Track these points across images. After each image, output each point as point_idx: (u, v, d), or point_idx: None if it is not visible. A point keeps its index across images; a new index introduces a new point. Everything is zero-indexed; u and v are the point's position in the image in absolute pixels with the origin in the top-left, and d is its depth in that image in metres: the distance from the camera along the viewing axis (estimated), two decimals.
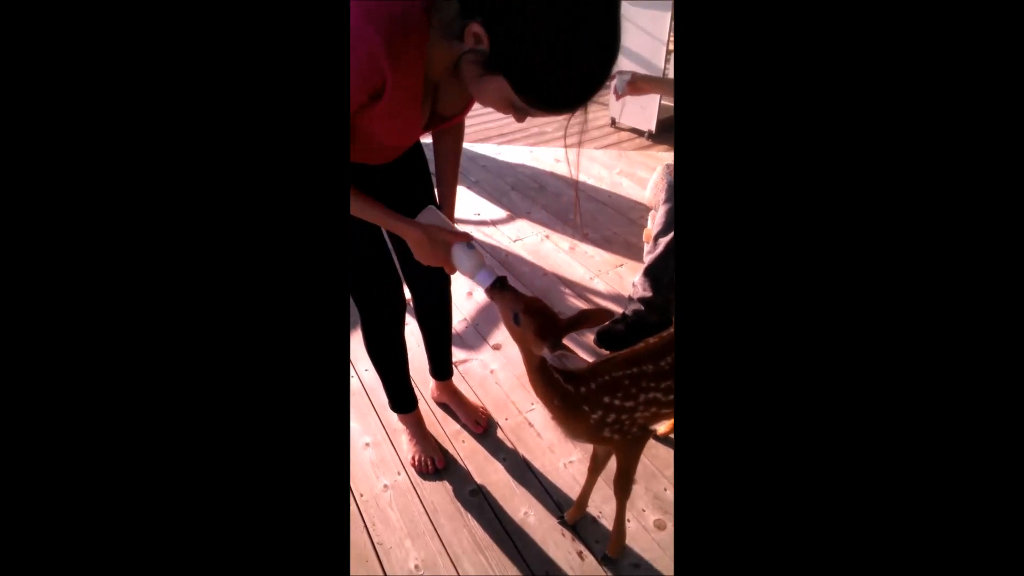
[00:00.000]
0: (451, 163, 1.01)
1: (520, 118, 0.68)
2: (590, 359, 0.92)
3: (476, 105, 0.82)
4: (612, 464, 1.10)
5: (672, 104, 2.93)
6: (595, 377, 0.88)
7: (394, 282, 1.09)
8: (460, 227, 0.92)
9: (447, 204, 1.04)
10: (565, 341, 0.82)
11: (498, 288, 0.84)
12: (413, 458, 1.29)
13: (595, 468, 1.09)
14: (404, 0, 0.64)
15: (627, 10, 2.77)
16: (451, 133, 0.99)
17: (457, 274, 0.90)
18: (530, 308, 0.81)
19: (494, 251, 2.08)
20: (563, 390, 0.86)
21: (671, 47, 2.72)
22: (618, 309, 1.75)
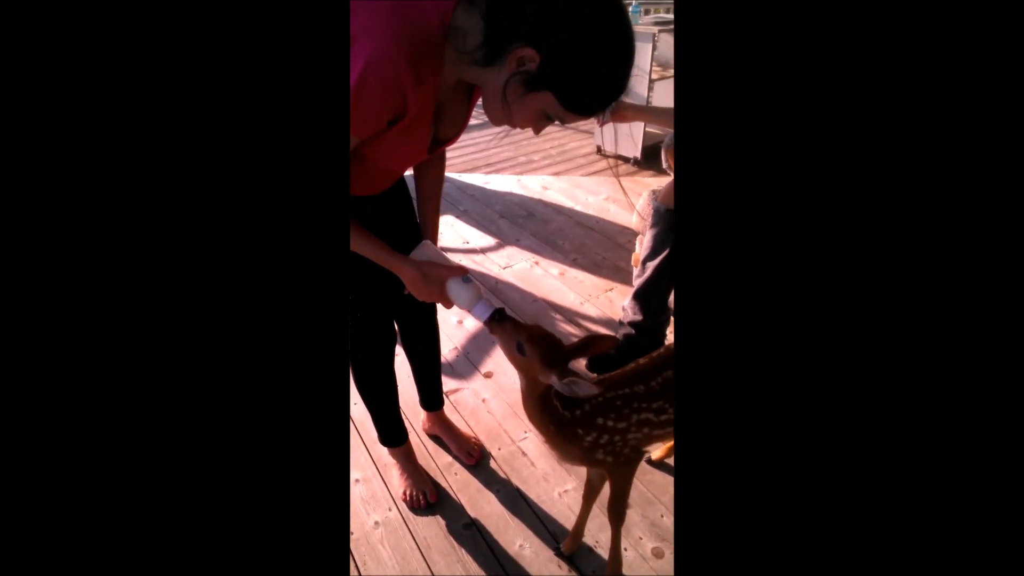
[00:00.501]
0: (435, 192, 1.02)
1: (541, 129, 0.74)
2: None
3: (462, 136, 0.84)
4: (606, 491, 1.08)
5: (655, 131, 3.00)
6: (588, 399, 0.88)
7: (383, 313, 1.09)
8: (449, 256, 0.92)
9: (431, 228, 1.03)
10: None
11: (497, 320, 0.83)
12: (404, 493, 1.26)
13: (590, 495, 1.07)
14: (425, 26, 0.66)
15: None
16: (434, 163, 1.00)
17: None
18: (533, 336, 0.80)
19: (484, 279, 2.08)
20: (559, 416, 0.86)
21: (653, 77, 2.80)
22: (609, 333, 1.75)
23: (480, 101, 0.78)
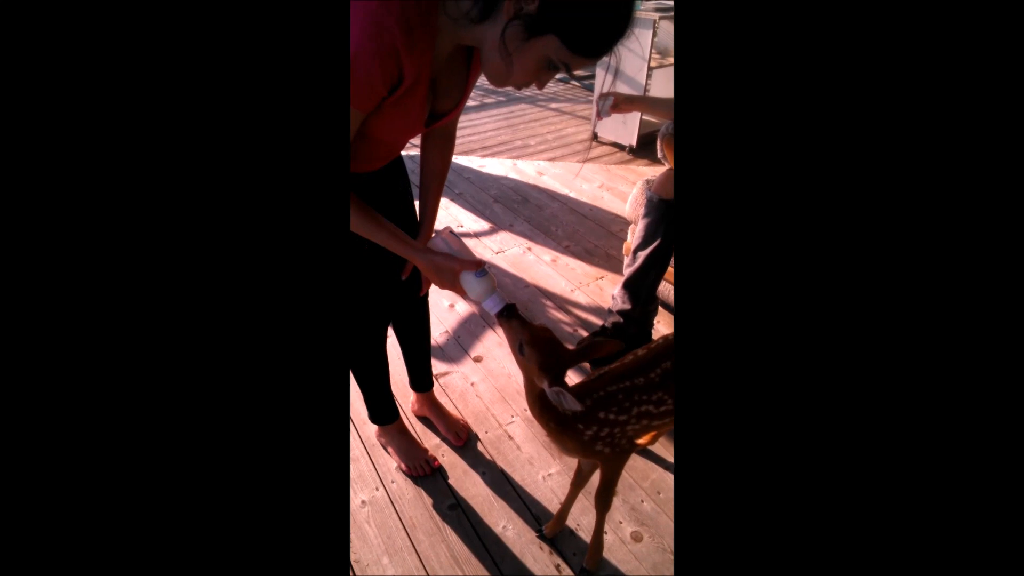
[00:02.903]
0: (439, 171, 1.01)
1: (545, 82, 0.72)
2: (577, 377, 0.93)
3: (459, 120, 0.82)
4: (593, 477, 1.10)
5: (652, 120, 2.99)
6: (590, 393, 0.89)
7: (375, 290, 1.09)
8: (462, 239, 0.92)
9: (429, 214, 1.03)
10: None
11: (505, 316, 0.84)
12: (405, 465, 1.28)
13: (578, 483, 1.10)
14: None
15: None
16: (440, 141, 0.98)
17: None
18: (535, 339, 0.81)
19: None
20: (560, 414, 0.87)
21: (652, 64, 2.78)
22: (598, 321, 1.77)
23: (481, 74, 0.77)
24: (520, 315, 0.85)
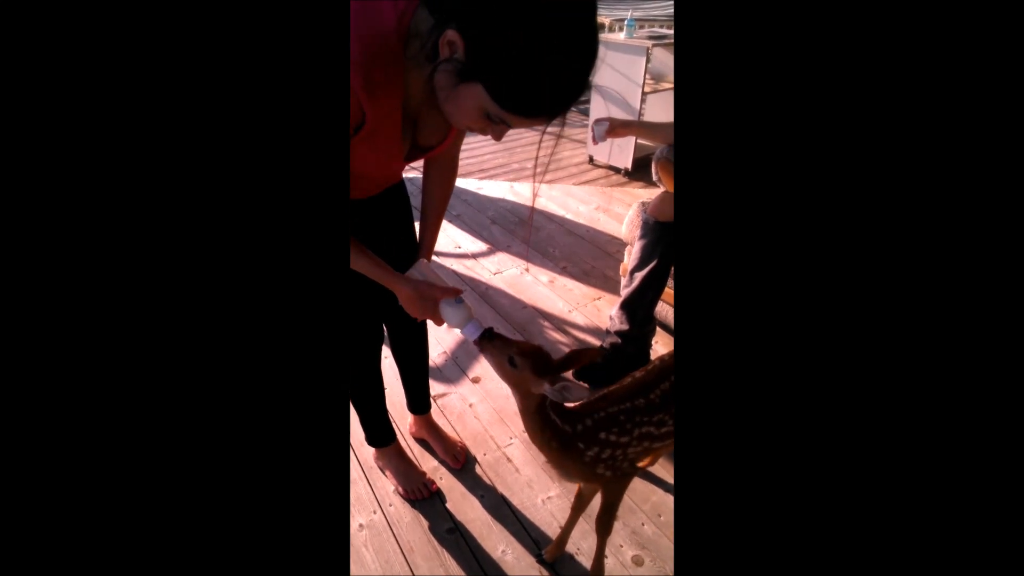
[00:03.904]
0: (437, 200, 1.01)
1: (497, 134, 0.67)
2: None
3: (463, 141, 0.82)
4: (594, 502, 1.09)
5: (647, 144, 3.04)
6: (591, 414, 0.89)
7: (370, 314, 1.09)
8: (441, 260, 0.94)
9: (428, 241, 1.03)
10: None
11: (487, 339, 0.85)
12: (403, 489, 1.27)
13: (579, 506, 1.09)
14: (379, 29, 0.63)
15: (605, 55, 2.90)
16: (440, 171, 0.99)
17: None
18: (523, 350, 0.82)
19: (474, 284, 2.10)
20: (560, 431, 0.87)
21: (647, 90, 2.85)
22: (596, 342, 1.77)
23: None
24: (500, 335, 0.86)
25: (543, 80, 0.58)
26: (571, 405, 0.81)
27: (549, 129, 0.68)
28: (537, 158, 0.94)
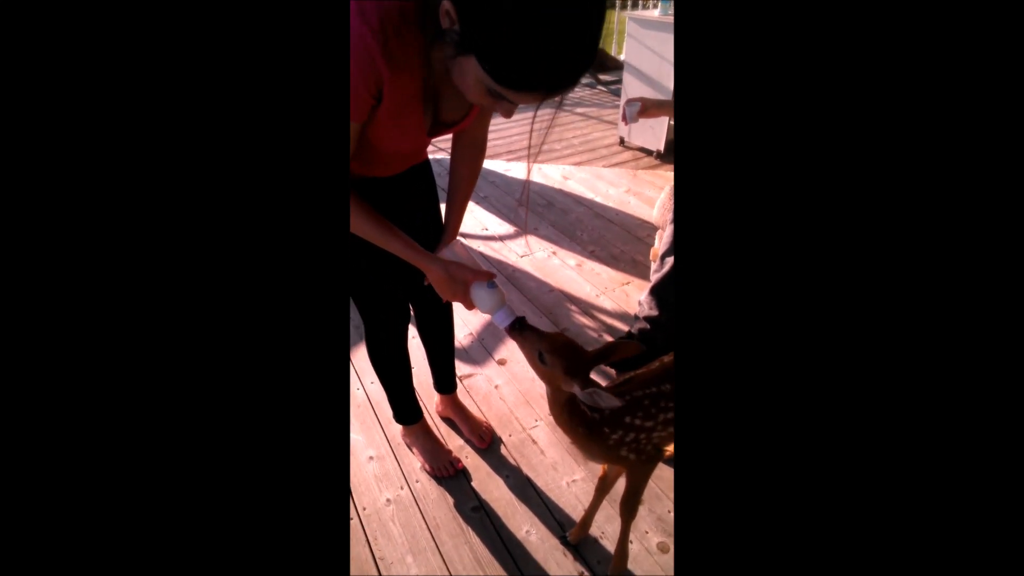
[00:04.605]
0: (464, 180, 1.00)
1: (505, 111, 0.66)
2: (603, 382, 0.92)
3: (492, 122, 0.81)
4: (619, 485, 1.09)
5: None
6: (617, 397, 0.88)
7: (398, 290, 1.10)
8: (467, 242, 0.93)
9: (453, 222, 1.02)
10: None
11: (517, 329, 0.83)
12: (429, 466, 1.29)
13: (603, 489, 1.09)
14: (397, 1, 0.64)
15: (637, 32, 2.82)
16: (467, 150, 0.98)
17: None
18: (555, 347, 0.80)
19: (501, 266, 2.09)
20: (588, 419, 0.87)
21: None
22: (624, 327, 1.75)
23: None
24: (531, 326, 0.84)
25: (536, 52, 0.55)
26: (605, 408, 0.80)
27: (580, 110, 0.66)
28: (531, 137, 0.89)
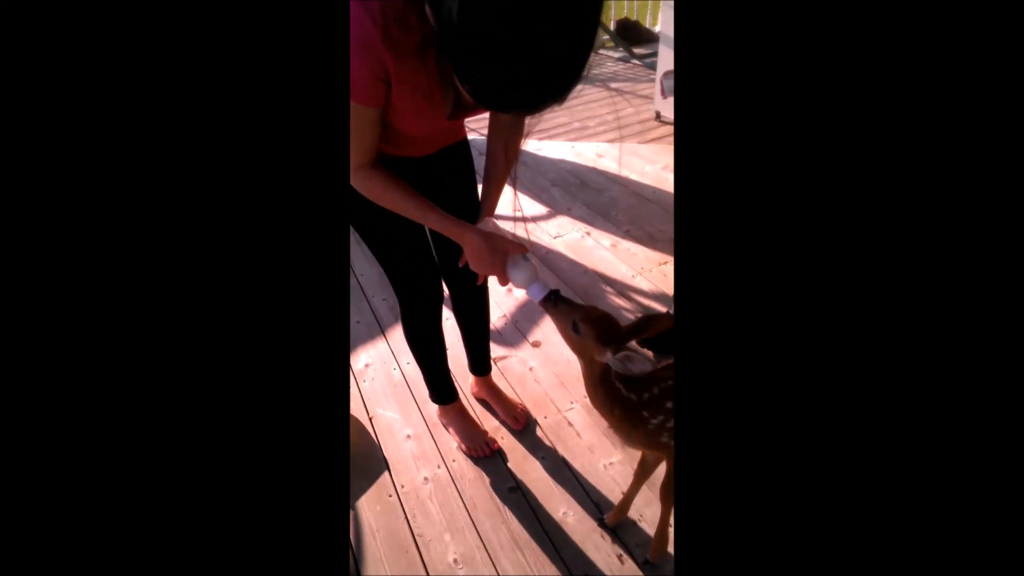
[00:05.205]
0: (499, 161, 0.98)
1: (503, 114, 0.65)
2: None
3: None
4: (659, 470, 1.07)
5: None
6: (658, 382, 0.86)
7: (432, 272, 1.10)
8: (499, 223, 0.92)
9: (489, 203, 1.01)
10: None
11: (552, 301, 0.83)
12: (465, 446, 1.30)
13: (642, 473, 1.07)
14: None
15: (666, 10, 2.69)
16: (501, 131, 0.97)
17: None
18: (589, 316, 0.80)
19: (534, 247, 2.06)
20: (624, 399, 0.85)
21: None
22: (662, 308, 1.70)
23: None
24: (566, 298, 0.83)
25: (506, 79, 0.51)
26: (638, 373, 0.78)
27: (614, 85, 0.64)
28: (524, 139, 0.86)
